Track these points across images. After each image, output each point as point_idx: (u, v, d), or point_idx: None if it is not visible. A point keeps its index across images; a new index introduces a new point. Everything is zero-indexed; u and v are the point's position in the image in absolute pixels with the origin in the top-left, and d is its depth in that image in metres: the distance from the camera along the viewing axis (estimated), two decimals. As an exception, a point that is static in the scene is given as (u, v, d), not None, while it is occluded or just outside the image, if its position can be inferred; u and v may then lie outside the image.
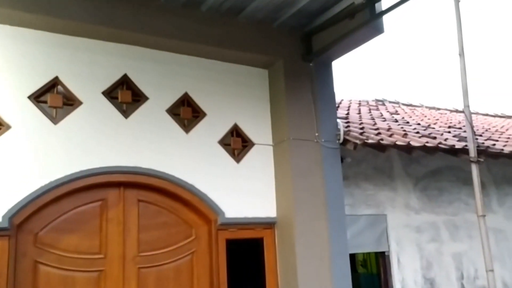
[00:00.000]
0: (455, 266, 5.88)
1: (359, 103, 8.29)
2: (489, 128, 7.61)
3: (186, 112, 4.36)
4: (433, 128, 6.17)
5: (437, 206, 5.99)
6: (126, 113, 4.07)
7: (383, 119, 6.39)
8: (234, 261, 4.34)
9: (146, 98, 4.18)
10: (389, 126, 5.63)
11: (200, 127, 4.40)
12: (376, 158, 5.69)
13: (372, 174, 5.63)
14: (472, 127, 5.09)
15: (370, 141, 4.54)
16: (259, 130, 4.70)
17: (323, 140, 4.59)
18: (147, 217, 4.08)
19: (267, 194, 4.58)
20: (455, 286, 5.82)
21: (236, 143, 4.55)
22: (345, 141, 4.68)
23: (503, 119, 10.54)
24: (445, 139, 5.34)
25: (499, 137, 6.52)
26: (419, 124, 6.52)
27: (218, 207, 4.29)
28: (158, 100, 4.24)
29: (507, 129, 7.97)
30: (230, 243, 4.34)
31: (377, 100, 9.25)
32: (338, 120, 4.76)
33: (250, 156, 4.60)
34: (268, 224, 4.55)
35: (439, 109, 10.10)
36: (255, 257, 4.48)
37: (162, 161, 4.12)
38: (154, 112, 4.20)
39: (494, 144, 5.64)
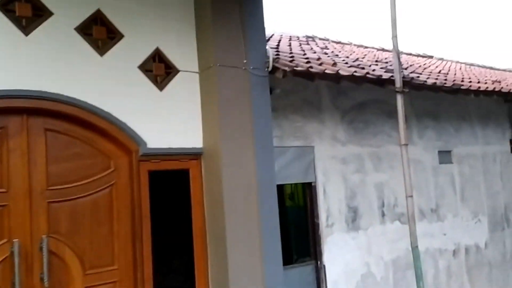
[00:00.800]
0: (377, 195, 6.12)
1: (290, 38, 8.11)
2: (413, 64, 7.80)
3: (100, 32, 3.89)
4: (361, 61, 6.15)
5: (362, 139, 6.11)
6: (26, 30, 3.53)
7: (313, 52, 6.26)
8: (158, 194, 4.13)
9: (50, 13, 3.65)
10: (319, 57, 5.51)
11: (117, 50, 3.97)
12: (306, 90, 5.60)
13: (300, 106, 5.55)
14: (399, 57, 5.11)
15: (299, 68, 4.39)
16: (184, 56, 4.36)
17: (251, 67, 4.36)
18: (56, 148, 3.68)
19: (193, 124, 4.33)
20: (376, 213, 6.09)
21: (159, 69, 4.19)
22: (274, 69, 4.49)
23: (424, 58, 10.93)
24: (373, 70, 5.34)
25: (422, 72, 6.69)
26: (347, 57, 6.48)
27: (139, 137, 3.99)
28: (65, 16, 3.72)
29: (429, 66, 8.25)
30: (153, 175, 4.10)
31: (307, 36, 9.11)
32: (268, 47, 4.53)
33: (175, 83, 4.27)
34: (194, 155, 4.33)
35: (367, 47, 10.20)
36: (180, 189, 4.29)
37: (72, 85, 3.68)
38: (60, 30, 3.69)
39: (418, 77, 5.75)
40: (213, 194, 4.25)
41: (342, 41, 10.02)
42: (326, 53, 6.36)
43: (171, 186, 4.31)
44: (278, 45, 6.07)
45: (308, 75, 4.53)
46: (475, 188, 7.43)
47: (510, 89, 6.74)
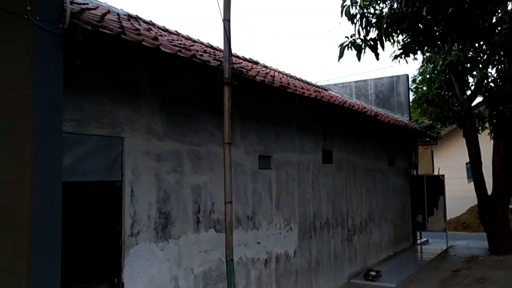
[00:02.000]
0: (193, 199, 5.42)
1: (108, 11, 6.88)
2: (240, 63, 7.42)
3: None
4: (188, 47, 5.40)
5: (183, 134, 5.34)
6: None
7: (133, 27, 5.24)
8: None
9: None
10: (138, 29, 4.54)
11: None
12: (119, 68, 4.56)
13: (111, 87, 4.49)
14: (229, 44, 4.51)
15: (107, 31, 3.36)
16: None
17: (37, 18, 3.15)
18: None
19: None
20: (190, 220, 5.38)
21: None
22: (74, 28, 3.35)
23: (250, 63, 10.87)
24: (200, 55, 4.62)
25: (250, 70, 6.29)
26: (172, 41, 5.65)
27: None
28: None
29: (255, 69, 8.02)
30: None
31: (129, 15, 7.99)
32: (67, -4, 3.36)
33: None
34: None
35: (196, 41, 9.57)
36: None
37: None
38: None
39: (247, 71, 5.26)
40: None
41: (170, 29, 9.19)
42: (149, 30, 5.41)
43: None
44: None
45: (118, 42, 3.52)
46: (289, 195, 7.39)
47: (329, 99, 6.86)
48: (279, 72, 11.58)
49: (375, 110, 11.58)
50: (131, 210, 4.64)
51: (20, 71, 3.09)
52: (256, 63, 11.38)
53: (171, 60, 4.20)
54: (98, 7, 6.78)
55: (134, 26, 4.94)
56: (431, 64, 13.70)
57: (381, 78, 14.61)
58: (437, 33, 7.37)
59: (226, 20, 4.40)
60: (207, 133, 5.68)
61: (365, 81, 14.89)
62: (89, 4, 6.16)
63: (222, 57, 4.81)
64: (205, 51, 6.08)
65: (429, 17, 5.79)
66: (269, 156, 6.92)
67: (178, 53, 3.99)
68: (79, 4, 4.58)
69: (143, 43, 3.65)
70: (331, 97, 7.88)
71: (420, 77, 14.70)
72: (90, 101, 4.27)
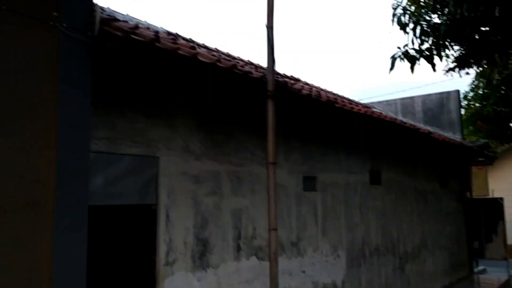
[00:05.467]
0: (233, 224, 4.98)
1: (147, 28, 6.70)
2: (283, 78, 7.02)
3: None
4: (227, 58, 5.06)
5: (222, 153, 4.95)
6: None
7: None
8: None
9: None
10: (175, 38, 4.23)
11: None
12: (153, 83, 4.25)
13: (145, 103, 4.17)
14: (273, 53, 4.11)
15: (139, 38, 3.03)
16: None
17: (64, 25, 2.86)
18: None
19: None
20: (230, 247, 4.93)
21: None
22: (104, 36, 3.04)
23: (292, 80, 10.48)
24: (242, 66, 4.24)
25: (294, 84, 5.86)
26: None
27: None
28: None
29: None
30: None
31: (168, 33, 7.81)
32: (96, 1, 3.08)
33: None
34: None
35: (235, 57, 9.30)
36: None
37: None
38: None
39: (292, 84, 4.84)
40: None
41: (209, 46, 8.96)
42: (185, 39, 5.11)
43: None
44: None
45: (152, 50, 3.18)
46: (336, 219, 6.81)
47: (379, 115, 6.33)
48: (322, 89, 11.11)
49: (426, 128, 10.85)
50: (166, 237, 4.25)
51: (44, 83, 2.79)
52: (298, 80, 10.97)
53: (209, 71, 3.84)
54: (137, 24, 6.63)
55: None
56: (484, 79, 12.85)
57: (429, 95, 13.81)
58: (496, 44, 6.72)
59: (269, 27, 4.01)
60: (248, 153, 5.26)
61: (411, 98, 14.13)
62: (128, 21, 6.00)
63: (264, 70, 4.43)
64: (245, 65, 5.72)
65: (493, 22, 5.21)
66: (314, 177, 6.41)
67: (217, 63, 3.62)
68: (115, 18, 4.34)
69: (179, 51, 3.30)
70: (380, 113, 7.32)
71: (472, 93, 13.83)
72: (123, 118, 3.96)
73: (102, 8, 3.23)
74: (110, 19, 3.08)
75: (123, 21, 3.92)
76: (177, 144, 4.45)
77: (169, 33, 7.74)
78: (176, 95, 4.46)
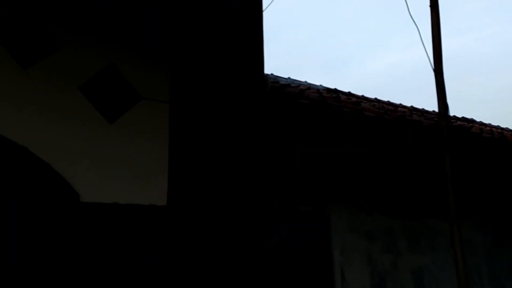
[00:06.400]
0: (414, 285, 4.57)
1: (308, 88, 6.99)
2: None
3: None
4: (391, 106, 4.91)
5: (394, 207, 4.69)
6: None
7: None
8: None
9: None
10: (339, 97, 4.29)
11: (50, 63, 2.86)
12: (318, 139, 4.32)
13: (313, 158, 4.25)
14: (445, 100, 3.84)
15: (306, 101, 3.15)
16: (149, 79, 3.21)
17: (240, 96, 3.15)
18: None
19: (155, 172, 3.08)
20: (413, 310, 4.51)
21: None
22: (275, 101, 3.26)
23: (463, 122, 9.59)
24: (409, 116, 4.05)
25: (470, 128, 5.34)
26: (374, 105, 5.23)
27: (69, 186, 2.74)
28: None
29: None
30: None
31: (328, 89, 8.00)
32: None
33: (133, 114, 3.09)
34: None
35: (397, 105, 8.98)
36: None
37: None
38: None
39: (470, 128, 4.41)
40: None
41: (369, 97, 8.85)
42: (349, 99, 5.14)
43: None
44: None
45: (319, 110, 3.27)
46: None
47: None
48: (502, 128, 9.88)
49: None
50: (343, 297, 4.11)
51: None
52: (472, 121, 10.00)
53: (375, 124, 3.76)
54: (299, 85, 6.98)
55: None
56: None
57: None
58: None
59: (438, 72, 3.79)
60: (423, 205, 4.88)
61: None
62: (290, 83, 6.36)
63: (432, 115, 4.17)
64: (411, 113, 5.46)
65: None
66: (508, 229, 5.57)
67: (384, 116, 3.52)
68: (279, 83, 4.64)
69: (344, 109, 3.33)
70: None
71: None
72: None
73: (270, 76, 3.49)
74: (280, 86, 3.29)
75: (288, 85, 4.16)
76: (346, 199, 4.38)
77: (328, 89, 7.94)
78: (340, 150, 4.45)
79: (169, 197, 3.03)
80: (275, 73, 5.77)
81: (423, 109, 7.98)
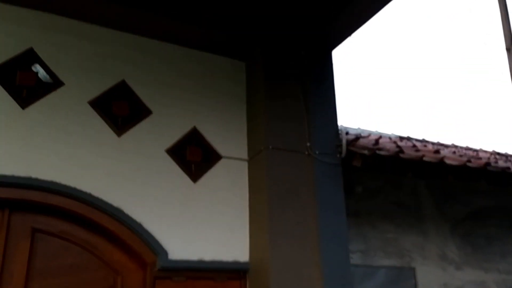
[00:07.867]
0: None
1: (380, 137, 6.90)
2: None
3: (121, 107, 3.11)
4: (474, 153, 4.70)
5: (485, 260, 4.37)
6: (24, 102, 2.84)
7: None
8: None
9: (59, 83, 2.98)
10: (415, 145, 4.21)
11: (140, 129, 3.13)
12: (398, 190, 4.22)
13: (392, 211, 4.13)
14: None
15: (383, 152, 3.14)
16: (228, 139, 3.38)
17: (317, 152, 3.21)
18: (45, 256, 2.71)
19: (236, 229, 3.17)
20: None
21: (194, 154, 3.23)
22: (351, 156, 3.28)
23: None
24: (495, 162, 3.87)
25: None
26: (454, 152, 5.05)
27: (158, 244, 2.89)
28: (79, 87, 3.02)
29: None
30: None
31: (400, 137, 7.83)
32: (340, 126, 3.39)
33: (214, 173, 3.25)
34: (236, 272, 3.08)
35: (477, 150, 8.53)
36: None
37: (75, 172, 2.82)
38: (70, 103, 2.96)
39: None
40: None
41: (445, 143, 8.52)
42: (425, 146, 5.02)
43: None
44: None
45: (397, 163, 3.23)
46: None
47: None
48: None
49: None
50: None
51: (305, 204, 3.10)
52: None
53: (458, 173, 3.62)
54: (370, 135, 6.92)
55: (409, 145, 4.65)
56: None
57: None
58: None
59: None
60: (519, 257, 4.51)
61: None
62: (361, 133, 6.33)
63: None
64: (496, 159, 5.19)
65: None
66: None
67: (467, 164, 3.40)
68: (352, 134, 4.66)
69: (423, 159, 3.26)
70: None
71: None
72: (373, 229, 3.98)
73: (344, 129, 3.53)
74: (354, 139, 3.32)
75: (363, 136, 4.17)
76: (432, 252, 4.16)
77: (401, 137, 7.78)
78: (422, 200, 4.30)
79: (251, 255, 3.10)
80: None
81: (506, 153, 7.54)
